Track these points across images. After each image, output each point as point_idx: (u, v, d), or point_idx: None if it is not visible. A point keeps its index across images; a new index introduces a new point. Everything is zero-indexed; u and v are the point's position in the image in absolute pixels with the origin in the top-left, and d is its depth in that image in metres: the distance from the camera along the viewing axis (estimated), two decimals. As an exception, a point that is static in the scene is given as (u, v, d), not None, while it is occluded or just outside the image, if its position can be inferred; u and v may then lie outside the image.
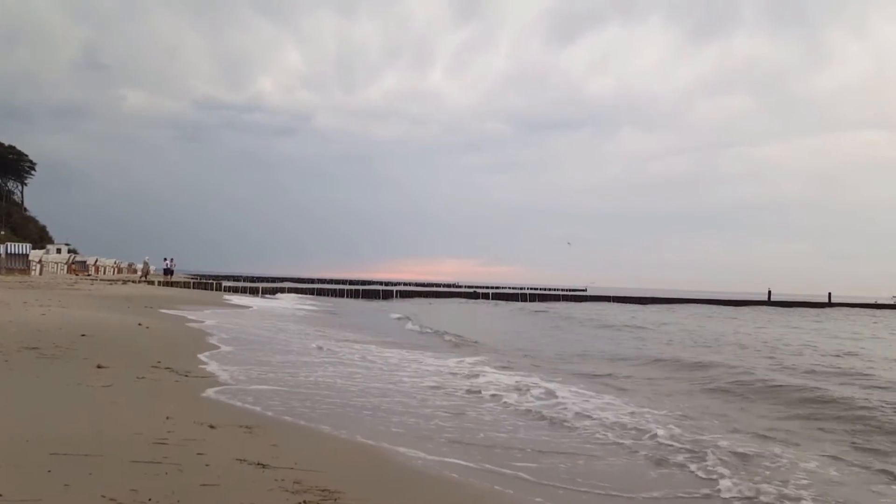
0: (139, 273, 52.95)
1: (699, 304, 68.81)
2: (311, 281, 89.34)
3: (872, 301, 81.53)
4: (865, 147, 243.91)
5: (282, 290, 57.66)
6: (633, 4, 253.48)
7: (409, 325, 26.54)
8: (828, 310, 66.59)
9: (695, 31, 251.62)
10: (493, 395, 9.42)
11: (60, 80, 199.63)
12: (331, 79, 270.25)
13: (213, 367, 9.66)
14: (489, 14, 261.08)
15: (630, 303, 69.17)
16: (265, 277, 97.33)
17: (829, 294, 79.63)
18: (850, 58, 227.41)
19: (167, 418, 5.72)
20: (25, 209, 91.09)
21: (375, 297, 62.20)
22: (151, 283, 44.89)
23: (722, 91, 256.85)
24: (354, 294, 62.80)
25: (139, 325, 13.97)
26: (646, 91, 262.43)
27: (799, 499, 5.35)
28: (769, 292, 78.13)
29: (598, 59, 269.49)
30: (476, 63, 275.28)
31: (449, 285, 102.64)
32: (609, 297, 75.95)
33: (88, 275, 51.61)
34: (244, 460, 4.72)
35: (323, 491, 4.22)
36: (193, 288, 46.77)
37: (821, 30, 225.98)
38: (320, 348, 14.13)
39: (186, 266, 71.31)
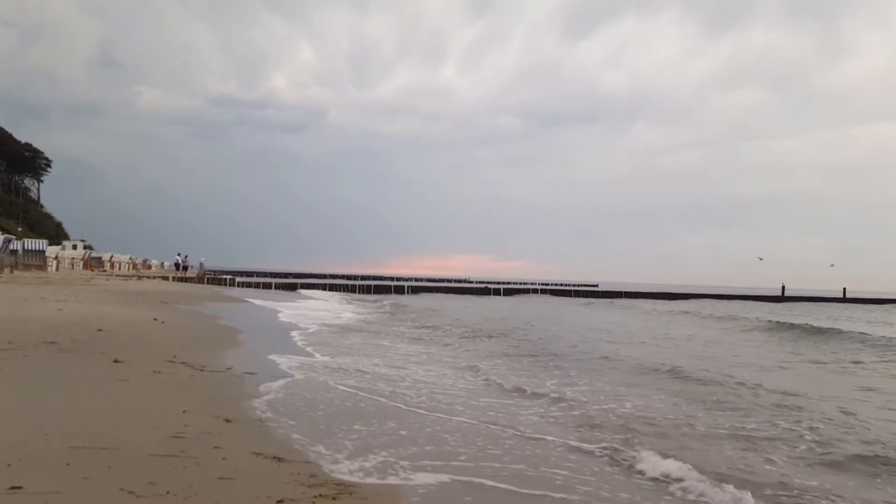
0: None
1: (704, 300, 68.12)
2: (323, 276, 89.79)
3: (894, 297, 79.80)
4: (884, 140, 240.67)
5: (293, 287, 57.93)
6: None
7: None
8: (839, 305, 65.77)
9: (710, 24, 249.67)
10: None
11: (76, 78, 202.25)
12: (344, 75, 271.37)
13: (227, 361, 9.73)
14: (503, 9, 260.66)
15: (641, 298, 68.75)
16: (277, 273, 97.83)
17: (844, 290, 78.63)
18: (869, 49, 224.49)
19: (183, 412, 5.76)
20: (42, 206, 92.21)
21: (387, 292, 62.58)
22: (166, 279, 45.28)
23: (737, 84, 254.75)
24: (366, 290, 63.00)
25: (154, 320, 14.09)
26: (660, 85, 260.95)
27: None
28: (783, 287, 77.37)
29: (613, 54, 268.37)
30: (489, 58, 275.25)
31: (460, 280, 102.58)
32: (621, 292, 75.60)
33: (104, 271, 52.14)
34: (260, 454, 4.75)
35: (338, 484, 4.24)
36: (207, 284, 47.13)
37: (839, 21, 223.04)
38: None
39: (197, 261, 71.72)
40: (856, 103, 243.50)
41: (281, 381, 8.52)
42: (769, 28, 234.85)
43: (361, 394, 8.34)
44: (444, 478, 4.95)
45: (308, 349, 12.72)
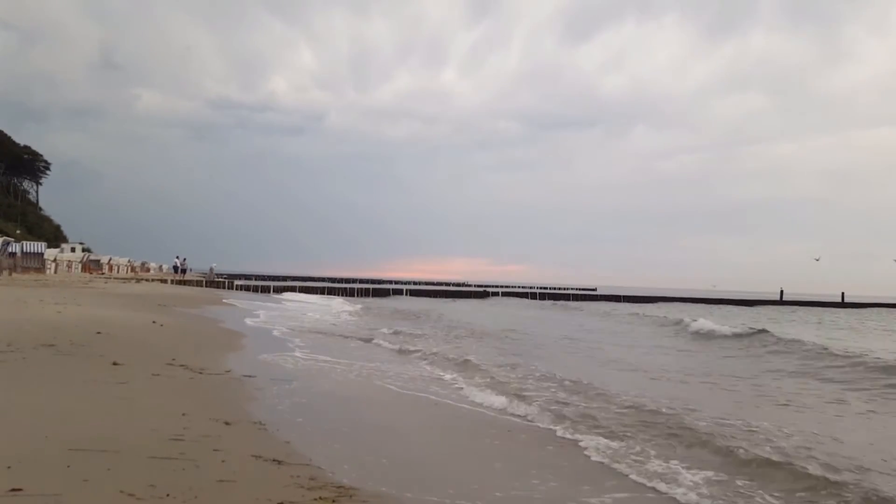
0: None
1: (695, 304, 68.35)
2: (322, 280, 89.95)
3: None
4: (883, 145, 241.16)
5: (292, 290, 58.02)
6: (649, 2, 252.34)
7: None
8: (839, 310, 65.82)
9: (710, 29, 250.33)
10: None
11: (76, 80, 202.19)
12: (344, 78, 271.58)
13: (226, 364, 9.72)
14: (503, 12, 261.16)
15: (640, 302, 68.85)
16: (275, 276, 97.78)
17: (843, 294, 78.75)
18: (869, 55, 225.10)
19: (183, 415, 5.76)
20: (40, 208, 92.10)
21: (385, 296, 62.96)
22: (164, 281, 45.23)
23: (737, 89, 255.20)
24: (364, 293, 63.24)
25: (153, 322, 14.08)
26: (660, 89, 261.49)
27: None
28: (781, 292, 77.51)
29: (613, 58, 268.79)
30: (489, 62, 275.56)
31: (458, 284, 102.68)
32: (619, 296, 75.69)
33: (102, 273, 52.09)
34: (260, 457, 4.75)
35: (339, 487, 4.24)
36: (206, 286, 47.11)
37: (839, 26, 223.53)
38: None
39: (196, 265, 71.97)
40: (855, 108, 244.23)
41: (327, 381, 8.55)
42: (769, 33, 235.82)
43: (443, 401, 8.48)
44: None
45: (315, 352, 12.72)
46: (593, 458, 6.16)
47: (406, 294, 66.42)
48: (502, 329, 23.57)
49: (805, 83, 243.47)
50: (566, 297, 75.39)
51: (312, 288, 61.67)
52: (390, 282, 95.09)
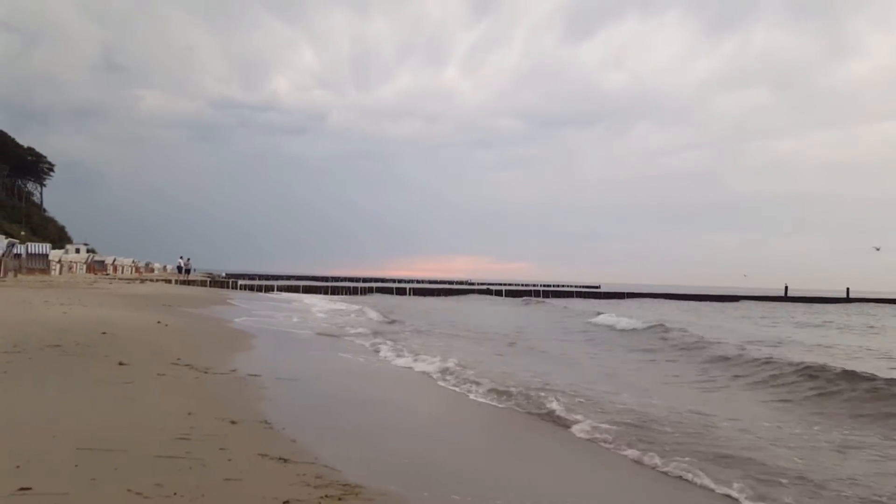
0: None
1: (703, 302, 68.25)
2: (324, 279, 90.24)
3: None
4: (888, 139, 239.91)
5: (295, 289, 58.15)
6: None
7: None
8: (842, 305, 65.61)
9: (712, 25, 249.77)
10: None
11: (78, 82, 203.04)
12: (345, 78, 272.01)
13: (231, 363, 9.75)
14: (503, 11, 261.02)
15: (640, 298, 68.76)
16: (278, 276, 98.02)
17: (848, 290, 78.53)
18: (872, 49, 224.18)
19: (189, 414, 5.78)
20: (44, 210, 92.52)
21: (389, 293, 63.27)
22: (169, 282, 45.34)
23: (740, 85, 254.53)
24: (367, 291, 63.45)
25: (158, 322, 14.11)
26: (662, 86, 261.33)
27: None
28: (786, 288, 77.39)
29: (614, 55, 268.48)
30: (490, 60, 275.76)
31: (461, 282, 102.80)
32: (623, 293, 75.63)
33: (107, 274, 52.26)
34: (266, 455, 4.77)
35: (344, 486, 4.26)
36: (210, 286, 47.22)
37: (842, 21, 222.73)
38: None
39: (200, 265, 72.19)
40: (859, 103, 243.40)
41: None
42: (771, 28, 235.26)
43: (444, 397, 8.32)
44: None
45: (318, 351, 12.75)
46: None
47: (409, 293, 66.70)
48: (474, 325, 25.45)
49: (808, 78, 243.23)
50: (569, 295, 75.34)
51: (315, 287, 61.91)
52: (393, 280, 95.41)
